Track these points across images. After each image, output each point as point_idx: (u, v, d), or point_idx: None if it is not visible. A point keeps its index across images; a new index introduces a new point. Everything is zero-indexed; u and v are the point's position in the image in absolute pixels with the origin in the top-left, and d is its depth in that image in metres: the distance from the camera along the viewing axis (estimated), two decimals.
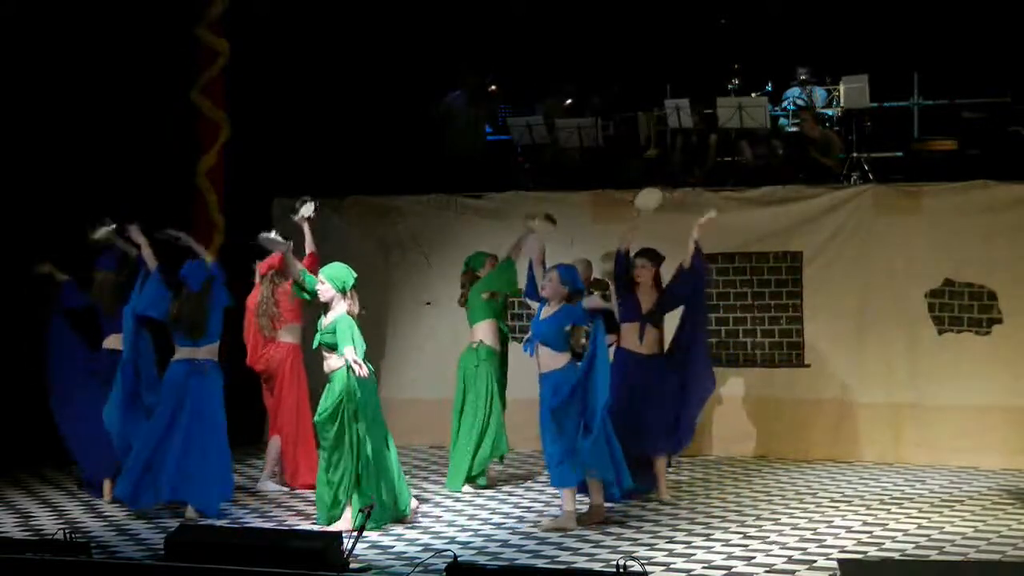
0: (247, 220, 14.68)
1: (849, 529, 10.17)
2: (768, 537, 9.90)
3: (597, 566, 8.99)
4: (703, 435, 13.75)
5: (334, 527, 10.04)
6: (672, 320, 11.67)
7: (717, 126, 15.20)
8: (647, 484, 11.28)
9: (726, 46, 16.97)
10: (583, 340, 10.58)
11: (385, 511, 10.27)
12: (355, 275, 10.41)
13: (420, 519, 10.62)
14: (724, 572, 8.93)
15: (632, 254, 11.53)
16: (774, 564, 9.09)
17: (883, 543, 9.67)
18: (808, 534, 10.00)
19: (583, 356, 10.38)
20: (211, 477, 10.81)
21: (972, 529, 10.12)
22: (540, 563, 9.19)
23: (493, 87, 17.25)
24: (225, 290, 11.01)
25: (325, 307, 10.35)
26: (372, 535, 9.93)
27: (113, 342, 11.54)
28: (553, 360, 10.34)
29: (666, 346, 11.61)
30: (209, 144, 14.46)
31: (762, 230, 13.75)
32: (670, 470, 12.72)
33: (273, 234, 11.01)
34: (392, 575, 8.88)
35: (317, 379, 10.86)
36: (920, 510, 10.87)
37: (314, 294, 10.54)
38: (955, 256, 13.11)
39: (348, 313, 10.23)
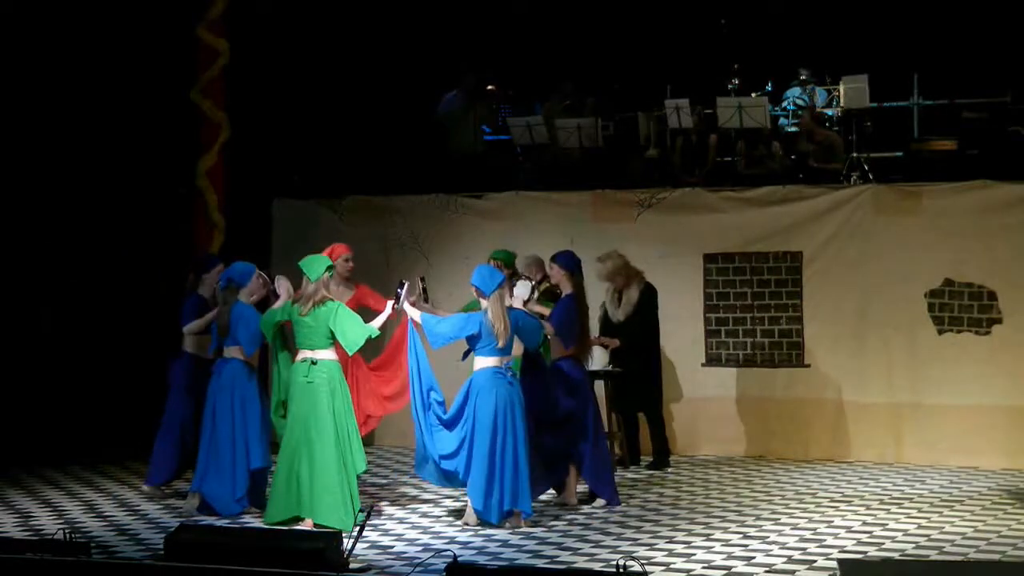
0: (247, 220, 14.73)
1: (849, 529, 10.17)
2: (768, 537, 9.90)
3: (597, 566, 8.98)
4: (703, 435, 13.78)
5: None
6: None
7: (717, 126, 15.20)
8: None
9: (726, 46, 16.96)
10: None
11: (277, 505, 10.29)
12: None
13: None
14: (724, 572, 8.92)
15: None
16: (774, 564, 9.09)
17: (883, 543, 9.67)
18: (808, 534, 10.00)
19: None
20: (223, 477, 10.87)
21: (972, 529, 10.12)
22: (540, 563, 9.18)
23: (491, 86, 17.24)
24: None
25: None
26: (372, 535, 9.94)
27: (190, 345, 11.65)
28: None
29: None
30: (209, 144, 14.47)
31: (762, 230, 13.76)
32: (670, 471, 12.84)
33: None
34: (392, 575, 8.88)
35: None
36: (920, 510, 10.87)
37: None
38: (955, 256, 13.11)
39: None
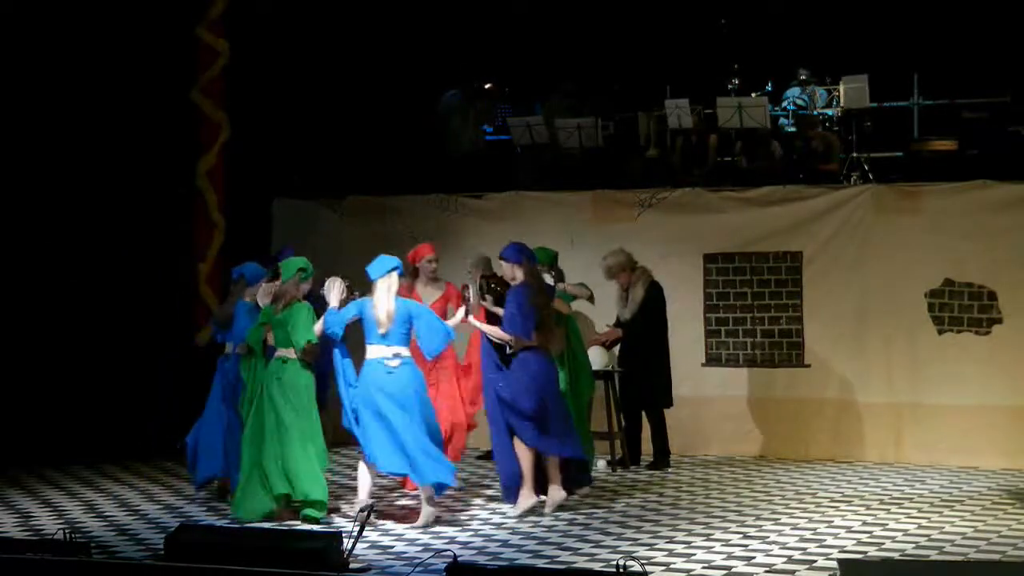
0: (247, 220, 14.73)
1: (849, 529, 10.17)
2: (768, 537, 9.90)
3: (597, 566, 8.99)
4: (703, 435, 13.77)
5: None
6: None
7: (717, 126, 15.20)
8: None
9: (726, 46, 16.96)
10: None
11: (256, 499, 10.43)
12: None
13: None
14: (724, 572, 8.92)
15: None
16: (774, 564, 9.09)
17: (883, 543, 9.67)
18: (808, 534, 10.00)
19: None
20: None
21: (972, 529, 10.12)
22: (540, 563, 9.18)
23: (489, 84, 17.24)
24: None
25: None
26: (372, 535, 9.94)
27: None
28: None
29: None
30: (209, 144, 14.47)
31: (762, 230, 13.76)
32: (670, 471, 12.84)
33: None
34: (392, 575, 8.89)
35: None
36: (920, 510, 10.88)
37: None
38: (955, 256, 13.11)
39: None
